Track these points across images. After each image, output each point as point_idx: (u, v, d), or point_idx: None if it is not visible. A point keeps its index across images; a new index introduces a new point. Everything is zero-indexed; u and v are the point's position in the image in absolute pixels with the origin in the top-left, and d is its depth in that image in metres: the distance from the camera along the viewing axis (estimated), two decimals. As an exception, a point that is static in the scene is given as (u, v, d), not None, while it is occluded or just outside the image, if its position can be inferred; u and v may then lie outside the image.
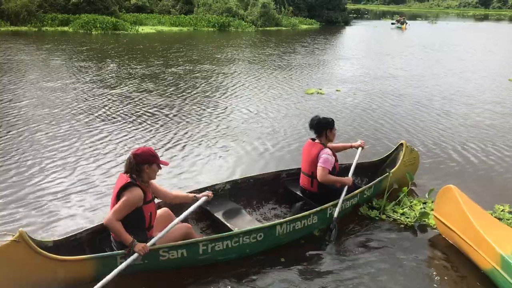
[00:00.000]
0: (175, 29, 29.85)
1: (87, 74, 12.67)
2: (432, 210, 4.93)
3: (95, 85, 11.27)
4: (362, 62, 17.77)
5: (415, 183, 5.71)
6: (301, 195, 4.96)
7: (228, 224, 4.22)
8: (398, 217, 4.88)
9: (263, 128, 8.20)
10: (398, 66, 16.66)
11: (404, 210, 5.00)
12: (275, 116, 9.05)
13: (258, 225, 4.14)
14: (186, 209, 3.88)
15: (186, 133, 7.70)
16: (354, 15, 63.15)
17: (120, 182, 3.63)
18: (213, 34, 28.04)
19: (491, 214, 4.90)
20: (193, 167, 6.22)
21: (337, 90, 11.78)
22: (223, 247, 3.84)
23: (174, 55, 17.26)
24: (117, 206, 3.50)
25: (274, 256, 4.10)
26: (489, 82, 13.67)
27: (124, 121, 8.28)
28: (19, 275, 3.22)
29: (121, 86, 11.25)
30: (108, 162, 6.27)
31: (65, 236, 3.69)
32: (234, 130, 7.98)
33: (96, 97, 10.07)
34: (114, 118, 8.44)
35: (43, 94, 10.14)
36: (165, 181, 5.63)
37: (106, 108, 9.16)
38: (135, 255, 3.48)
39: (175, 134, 7.65)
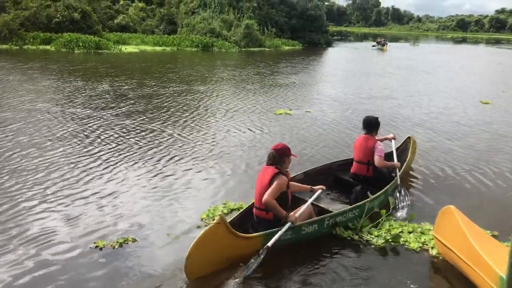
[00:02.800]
0: (158, 48, 30.01)
1: (67, 95, 12.59)
2: (411, 233, 5.03)
3: (74, 107, 11.19)
4: (339, 83, 17.99)
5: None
6: (352, 180, 5.99)
7: (322, 206, 5.26)
8: (371, 238, 4.91)
9: (229, 148, 8.18)
10: (374, 87, 16.92)
11: (380, 232, 5.00)
12: (241, 136, 9.07)
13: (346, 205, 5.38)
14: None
15: (152, 155, 7.61)
16: (338, 37, 64.34)
17: (268, 172, 4.57)
18: (196, 54, 28.27)
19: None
20: (169, 189, 6.22)
21: (307, 111, 11.82)
22: (336, 221, 4.91)
23: (153, 76, 17.31)
24: (270, 189, 4.41)
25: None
26: (463, 104, 14.00)
27: (87, 142, 8.24)
28: (219, 248, 4.08)
29: (99, 108, 11.21)
30: (85, 186, 6.23)
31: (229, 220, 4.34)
32: (200, 152, 7.93)
33: (76, 119, 9.96)
34: (87, 139, 8.41)
35: (29, 115, 10.05)
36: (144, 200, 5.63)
37: (82, 129, 9.10)
38: (288, 224, 4.42)
39: (139, 157, 7.64)
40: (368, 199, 5.26)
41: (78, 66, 19.11)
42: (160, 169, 6.90)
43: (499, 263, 3.74)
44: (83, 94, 12.67)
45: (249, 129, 9.68)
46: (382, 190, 5.50)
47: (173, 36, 33.76)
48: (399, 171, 6.04)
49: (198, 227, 5.06)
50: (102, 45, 26.79)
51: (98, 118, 9.97)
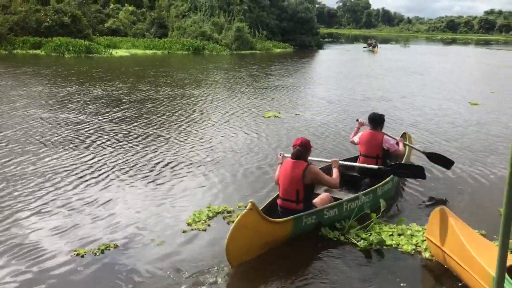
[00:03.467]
0: (149, 52, 29.96)
1: (60, 100, 12.53)
2: (401, 235, 5.03)
3: (67, 112, 11.15)
4: (330, 85, 18.06)
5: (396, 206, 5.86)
6: (359, 175, 6.26)
7: (337, 196, 5.57)
8: (357, 240, 4.86)
9: (213, 153, 8.13)
10: (368, 89, 17.00)
11: (367, 235, 4.97)
12: (230, 139, 9.07)
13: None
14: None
15: (136, 161, 7.53)
16: (330, 39, 64.65)
17: (298, 166, 4.89)
18: (187, 58, 28.25)
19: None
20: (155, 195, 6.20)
21: (296, 114, 11.81)
22: (354, 206, 5.26)
23: (145, 80, 17.28)
24: (326, 180, 5.02)
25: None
26: (453, 105, 14.11)
27: (83, 146, 8.20)
28: (254, 234, 4.30)
29: (91, 113, 11.18)
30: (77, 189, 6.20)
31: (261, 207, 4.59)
32: (184, 157, 7.91)
33: (65, 125, 9.95)
34: (79, 143, 8.36)
35: (23, 120, 9.98)
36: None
37: (70, 135, 9.05)
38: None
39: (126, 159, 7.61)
40: (379, 184, 5.69)
41: (69, 71, 19.01)
42: (144, 175, 6.81)
43: (491, 263, 3.72)
44: (75, 99, 12.60)
45: (235, 133, 9.63)
46: (389, 178, 5.92)
47: (164, 39, 33.72)
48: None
49: (184, 231, 5.02)
50: (92, 49, 26.69)
51: (89, 124, 9.91)
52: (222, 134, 9.49)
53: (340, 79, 20.61)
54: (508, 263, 3.41)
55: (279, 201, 5.03)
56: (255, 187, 6.55)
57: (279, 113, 11.76)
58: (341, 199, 5.38)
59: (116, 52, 27.71)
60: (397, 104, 13.94)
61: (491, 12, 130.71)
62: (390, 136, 6.45)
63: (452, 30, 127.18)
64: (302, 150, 4.97)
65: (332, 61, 32.10)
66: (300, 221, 4.69)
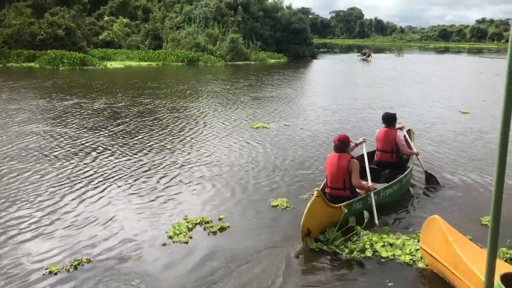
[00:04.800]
0: (144, 64, 30.01)
1: (55, 114, 12.53)
2: (392, 245, 5.02)
3: (63, 126, 11.13)
4: (324, 95, 18.10)
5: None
6: (377, 167, 7.00)
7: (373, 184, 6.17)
8: (339, 250, 4.86)
9: (193, 164, 8.11)
10: (365, 98, 17.05)
11: (352, 245, 4.93)
12: (212, 151, 9.03)
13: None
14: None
15: (113, 174, 7.47)
16: (324, 49, 64.99)
17: (343, 158, 5.71)
18: (182, 69, 28.30)
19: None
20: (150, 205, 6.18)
21: (285, 125, 11.72)
22: (387, 193, 6.14)
23: (140, 92, 17.29)
24: (354, 176, 5.65)
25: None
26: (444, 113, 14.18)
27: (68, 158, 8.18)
28: (319, 216, 5.12)
29: (82, 123, 11.17)
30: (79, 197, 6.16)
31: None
32: (160, 170, 7.91)
33: (54, 136, 9.93)
34: (72, 155, 8.34)
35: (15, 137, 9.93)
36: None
37: (45, 145, 9.04)
38: (372, 192, 5.76)
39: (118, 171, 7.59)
40: (403, 175, 6.52)
41: (64, 84, 19.00)
42: (121, 188, 6.76)
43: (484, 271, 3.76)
44: (70, 113, 12.62)
45: (219, 144, 9.60)
46: (408, 170, 6.77)
47: (158, 51, 33.83)
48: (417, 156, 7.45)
49: (164, 244, 4.98)
50: (87, 61, 26.72)
51: (67, 136, 9.89)
52: (204, 146, 9.43)
53: (335, 88, 20.65)
54: (502, 271, 3.42)
55: (327, 190, 5.83)
56: (228, 196, 6.55)
57: (268, 124, 11.71)
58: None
59: (111, 64, 27.74)
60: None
61: (482, 21, 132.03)
62: (400, 135, 7.30)
63: (445, 39, 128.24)
64: (342, 144, 5.81)
65: (326, 70, 32.22)
66: (351, 207, 5.52)
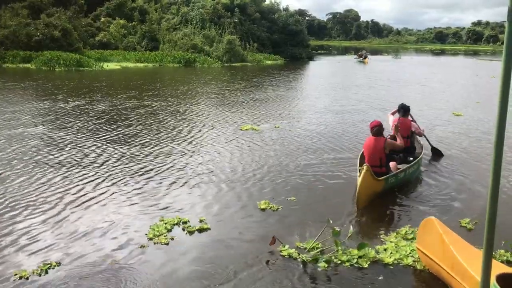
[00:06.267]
0: (140, 65, 29.97)
1: (52, 117, 12.47)
2: (386, 250, 4.97)
3: (59, 128, 11.09)
4: (315, 98, 17.96)
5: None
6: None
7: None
8: (310, 258, 4.71)
9: (175, 166, 8.04)
10: (350, 101, 17.01)
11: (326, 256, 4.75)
12: (194, 153, 8.94)
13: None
14: None
15: (89, 176, 7.35)
16: (320, 51, 65.06)
17: (379, 140, 6.87)
18: (179, 70, 28.26)
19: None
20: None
21: (276, 127, 11.59)
22: (409, 172, 7.24)
23: (137, 94, 17.25)
24: (393, 143, 7.09)
25: None
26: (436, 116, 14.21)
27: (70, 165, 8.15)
28: (368, 188, 6.23)
29: (78, 124, 11.14)
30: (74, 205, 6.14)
31: None
32: (163, 168, 7.90)
33: (61, 141, 9.89)
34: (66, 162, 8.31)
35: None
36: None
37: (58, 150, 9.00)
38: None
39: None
40: (419, 157, 7.76)
41: (60, 86, 18.92)
42: (97, 191, 6.61)
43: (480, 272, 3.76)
44: (63, 114, 12.58)
45: (207, 144, 9.57)
46: (421, 154, 8.01)
47: (155, 52, 33.77)
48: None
49: (142, 246, 4.91)
50: (83, 62, 26.64)
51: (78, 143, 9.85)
52: (188, 147, 9.32)
53: (329, 90, 20.69)
54: (498, 272, 3.43)
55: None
56: (210, 198, 6.48)
57: (258, 125, 11.65)
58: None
59: (107, 66, 27.66)
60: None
61: (478, 23, 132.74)
62: (414, 121, 8.63)
63: (441, 41, 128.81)
64: (380, 128, 6.93)
65: (321, 72, 32.27)
66: (387, 180, 6.61)
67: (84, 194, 6.45)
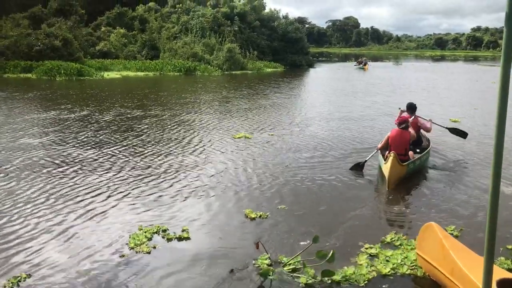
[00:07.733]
0: (141, 74, 30.04)
1: (55, 127, 12.46)
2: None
3: (62, 138, 11.09)
4: (313, 105, 17.85)
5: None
6: None
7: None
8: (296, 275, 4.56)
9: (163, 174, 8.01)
10: (349, 109, 16.95)
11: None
12: (183, 161, 8.87)
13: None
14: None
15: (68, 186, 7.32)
16: (320, 58, 65.24)
17: (405, 133, 8.06)
18: (179, 79, 28.31)
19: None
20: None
21: (270, 135, 11.45)
22: (423, 159, 8.33)
23: (138, 104, 17.28)
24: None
25: None
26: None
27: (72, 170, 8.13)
28: (395, 172, 7.33)
29: (76, 134, 11.14)
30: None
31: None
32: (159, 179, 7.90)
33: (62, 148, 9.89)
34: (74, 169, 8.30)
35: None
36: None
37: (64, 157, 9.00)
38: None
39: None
40: (429, 148, 8.95)
41: (64, 95, 18.97)
42: (74, 201, 6.51)
43: (481, 278, 3.73)
44: (62, 124, 12.58)
45: (198, 152, 9.51)
46: (429, 147, 9.14)
47: (155, 61, 33.88)
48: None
49: (122, 256, 4.86)
50: (84, 72, 26.72)
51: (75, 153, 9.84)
52: (177, 156, 9.25)
53: (327, 97, 20.70)
54: (498, 277, 3.39)
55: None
56: (196, 207, 6.42)
57: (252, 133, 11.55)
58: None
59: (108, 75, 27.74)
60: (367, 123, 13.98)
61: (478, 29, 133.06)
62: (422, 118, 9.59)
63: (441, 47, 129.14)
64: (408, 124, 8.18)
65: (321, 79, 32.28)
66: (409, 166, 7.72)
67: (63, 203, 6.34)
